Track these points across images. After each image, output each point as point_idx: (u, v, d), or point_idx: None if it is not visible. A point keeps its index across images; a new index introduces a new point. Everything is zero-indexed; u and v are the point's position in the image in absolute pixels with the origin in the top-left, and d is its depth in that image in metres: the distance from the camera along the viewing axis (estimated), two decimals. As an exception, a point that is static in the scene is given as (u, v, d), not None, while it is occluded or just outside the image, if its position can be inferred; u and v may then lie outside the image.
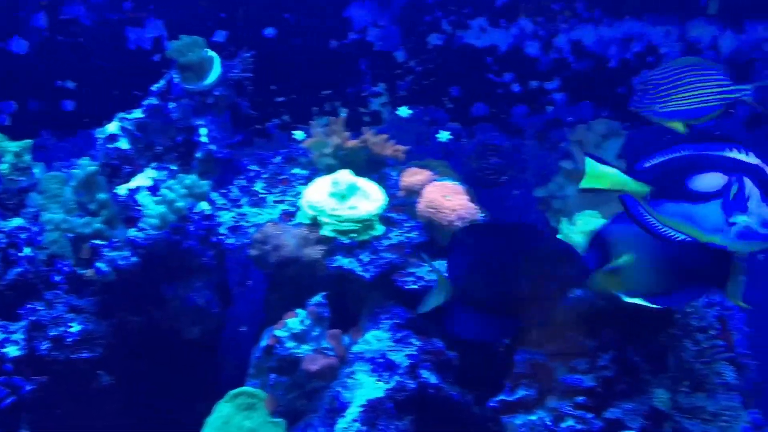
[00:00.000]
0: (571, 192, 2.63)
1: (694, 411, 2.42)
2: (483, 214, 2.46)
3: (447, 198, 2.38)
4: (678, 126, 1.77)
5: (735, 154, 1.59)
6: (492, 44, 2.85)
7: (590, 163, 1.75)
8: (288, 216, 2.45)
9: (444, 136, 2.38)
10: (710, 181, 1.59)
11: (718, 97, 1.72)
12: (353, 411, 2.16)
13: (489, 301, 1.91)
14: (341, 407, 2.23)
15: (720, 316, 2.57)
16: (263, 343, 2.31)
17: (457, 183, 2.48)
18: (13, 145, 2.54)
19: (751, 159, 1.58)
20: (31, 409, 2.33)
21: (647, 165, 1.68)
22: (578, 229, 2.29)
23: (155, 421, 2.48)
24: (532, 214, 2.75)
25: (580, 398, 2.31)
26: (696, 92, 1.75)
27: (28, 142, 2.55)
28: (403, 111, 2.48)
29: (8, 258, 2.42)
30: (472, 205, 2.40)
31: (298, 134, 2.41)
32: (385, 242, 2.40)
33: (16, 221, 2.45)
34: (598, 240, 2.02)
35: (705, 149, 1.61)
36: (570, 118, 2.84)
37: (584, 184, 1.75)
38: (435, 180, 2.46)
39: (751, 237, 1.61)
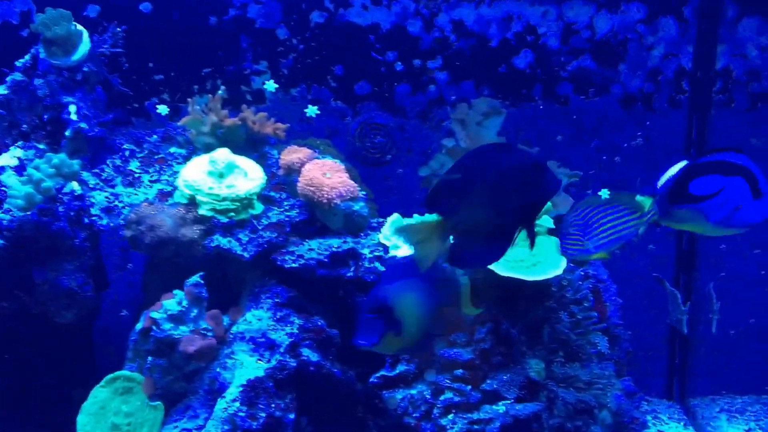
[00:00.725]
0: (453, 169, 2.65)
1: (569, 380, 2.49)
2: (364, 192, 2.46)
3: (326, 176, 2.37)
4: (604, 255, 1.98)
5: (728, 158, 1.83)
6: (374, 22, 2.84)
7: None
8: (164, 196, 2.39)
9: (312, 111, 2.36)
10: (710, 182, 1.85)
11: (631, 224, 1.96)
12: (233, 391, 2.14)
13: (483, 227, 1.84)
14: (221, 388, 2.20)
15: (594, 288, 2.65)
16: (140, 325, 2.25)
17: (337, 161, 2.47)
18: None
19: (742, 161, 1.82)
20: None
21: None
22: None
23: (29, 408, 2.40)
24: (416, 193, 2.76)
25: (458, 371, 2.37)
26: (612, 227, 1.96)
27: None
28: (270, 86, 2.45)
29: None
30: (351, 182, 2.40)
31: (162, 109, 2.34)
32: (265, 221, 2.37)
33: None
34: (379, 305, 1.95)
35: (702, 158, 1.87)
36: (452, 96, 2.87)
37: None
38: (315, 158, 2.45)
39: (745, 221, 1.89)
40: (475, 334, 2.37)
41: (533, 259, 2.34)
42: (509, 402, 2.33)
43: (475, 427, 2.28)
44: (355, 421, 2.48)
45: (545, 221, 2.43)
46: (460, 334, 2.38)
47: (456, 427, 2.29)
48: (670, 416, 2.93)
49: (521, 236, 2.30)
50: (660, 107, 2.92)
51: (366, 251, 2.35)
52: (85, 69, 2.44)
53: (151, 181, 2.45)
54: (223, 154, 2.39)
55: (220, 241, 2.32)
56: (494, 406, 2.32)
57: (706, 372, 3.09)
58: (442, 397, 2.35)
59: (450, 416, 2.32)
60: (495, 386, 2.33)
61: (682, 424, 2.85)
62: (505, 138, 2.75)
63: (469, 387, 2.33)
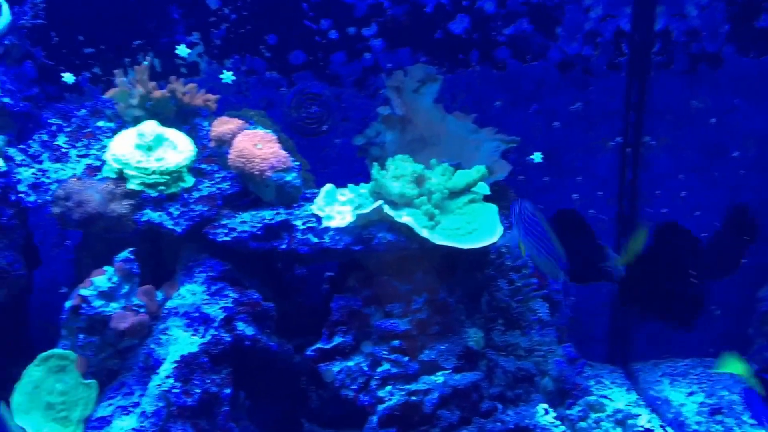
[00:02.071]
0: (389, 138, 2.62)
1: (509, 348, 2.49)
2: (298, 163, 2.42)
3: (258, 147, 2.32)
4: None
5: None
6: (307, -10, 2.79)
7: None
8: (93, 171, 2.32)
9: (227, 77, 2.30)
10: None
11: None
12: (167, 367, 2.10)
13: None
14: (155, 364, 2.16)
15: (533, 254, 2.66)
16: (69, 303, 2.21)
17: (269, 131, 2.43)
18: None
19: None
20: None
21: None
22: (390, 174, 2.28)
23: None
24: (354, 163, 2.73)
25: (395, 342, 2.35)
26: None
27: None
28: (182, 50, 2.38)
29: None
30: (283, 153, 2.35)
31: (68, 77, 2.25)
32: (196, 194, 2.33)
33: None
34: None
35: None
36: (388, 64, 2.82)
37: None
38: (247, 129, 2.40)
39: None
40: (412, 304, 2.36)
41: (469, 227, 2.32)
42: (448, 372, 2.33)
43: (413, 398, 2.28)
44: (296, 393, 2.47)
45: (481, 188, 2.41)
46: (396, 304, 2.37)
47: (394, 399, 2.28)
48: (612, 381, 2.94)
49: (458, 203, 2.30)
50: (599, 70, 2.90)
51: (299, 222, 2.31)
52: (6, 42, 2.37)
53: (79, 156, 2.39)
54: (150, 127, 2.33)
55: (151, 215, 2.27)
56: (432, 377, 2.31)
57: (647, 336, 3.11)
58: (379, 369, 2.34)
59: (388, 388, 2.31)
60: (433, 357, 2.33)
61: (624, 388, 2.87)
62: (442, 105, 2.73)
63: (407, 358, 2.33)
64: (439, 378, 2.28)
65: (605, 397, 2.52)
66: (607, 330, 3.09)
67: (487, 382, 2.34)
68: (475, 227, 2.30)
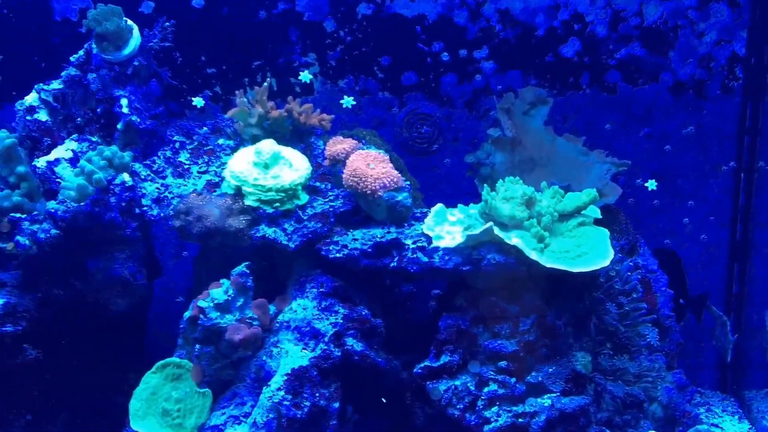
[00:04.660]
0: (499, 159, 2.52)
1: (617, 373, 2.33)
2: (409, 183, 2.34)
3: (371, 166, 2.25)
4: None
5: None
6: (420, 13, 2.70)
7: None
8: (212, 186, 2.30)
9: (347, 102, 2.24)
10: None
11: None
12: (278, 380, 2.05)
13: None
14: (267, 376, 2.12)
15: (644, 278, 2.49)
16: (188, 313, 2.18)
17: (381, 151, 2.36)
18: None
19: None
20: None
21: None
22: (500, 195, 2.17)
23: (83, 394, 2.36)
24: (462, 182, 2.63)
25: (503, 363, 2.23)
26: None
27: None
28: (305, 77, 2.34)
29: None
30: (395, 172, 2.27)
31: (197, 101, 2.25)
32: (310, 211, 2.27)
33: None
34: None
35: None
36: (499, 86, 2.71)
37: None
38: (360, 149, 2.34)
39: None
40: (520, 325, 2.24)
41: (579, 250, 2.19)
42: (555, 395, 2.19)
43: (520, 420, 2.15)
44: (402, 409, 2.38)
45: (592, 211, 2.28)
46: (504, 325, 2.25)
47: (501, 420, 2.16)
48: (723, 409, 2.73)
49: (568, 226, 2.17)
50: (712, 94, 2.72)
51: (409, 242, 2.23)
52: (135, 63, 2.37)
53: (199, 172, 2.37)
54: (268, 145, 2.29)
55: (266, 231, 2.23)
56: (540, 400, 2.18)
57: (760, 364, 2.88)
58: (486, 389, 2.22)
59: (494, 408, 2.19)
60: (540, 379, 2.20)
61: (736, 417, 2.66)
62: (552, 127, 2.61)
63: (514, 379, 2.20)
64: (546, 401, 2.14)
65: (716, 425, 2.34)
66: (717, 356, 2.88)
67: (594, 406, 2.19)
68: (585, 250, 2.16)
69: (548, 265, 2.09)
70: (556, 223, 2.20)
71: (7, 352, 2.21)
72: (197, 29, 2.66)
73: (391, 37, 2.70)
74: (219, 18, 2.66)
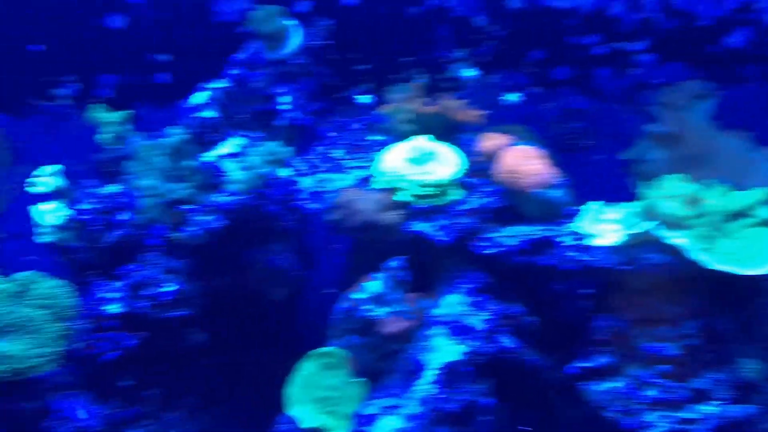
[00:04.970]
0: (658, 156, 2.42)
1: (787, 383, 2.20)
2: (562, 179, 2.29)
3: (524, 163, 2.22)
4: None
5: None
6: (574, 5, 2.64)
7: None
8: (366, 181, 2.35)
9: (511, 97, 2.21)
10: None
11: None
12: (430, 373, 2.07)
13: None
14: (418, 369, 2.13)
15: (816, 283, 2.32)
16: (343, 305, 2.24)
17: (534, 147, 2.31)
18: (113, 116, 2.54)
19: None
20: (132, 363, 2.35)
21: None
22: (662, 193, 2.08)
23: (242, 378, 2.47)
24: (614, 179, 2.54)
25: (664, 366, 2.14)
26: None
27: (126, 112, 2.56)
28: (468, 72, 2.32)
29: (110, 222, 2.44)
30: (548, 169, 2.23)
31: (364, 98, 2.29)
32: (462, 207, 2.27)
33: (116, 187, 2.46)
34: None
35: None
36: (657, 79, 2.60)
37: None
38: (513, 144, 2.31)
39: None
40: (682, 328, 2.14)
41: (747, 252, 2.07)
42: (720, 403, 2.09)
43: (685, 426, 2.08)
44: (550, 409, 2.34)
45: (763, 211, 2.14)
46: (664, 327, 2.16)
47: (661, 426, 2.09)
48: None
49: (736, 226, 2.05)
50: None
51: (562, 239, 2.18)
52: (295, 61, 2.45)
53: (353, 168, 2.42)
54: (422, 141, 2.31)
55: (419, 226, 2.24)
56: (703, 407, 2.09)
57: None
58: (646, 393, 2.15)
59: (655, 413, 2.12)
60: (704, 385, 2.10)
61: None
62: (715, 122, 2.48)
63: (676, 384, 2.11)
64: (710, 408, 2.04)
65: None
66: None
67: (766, 417, 2.07)
68: (755, 252, 2.04)
69: (715, 267, 1.99)
70: (723, 223, 2.09)
71: (177, 335, 2.36)
72: (350, 26, 2.72)
73: (543, 31, 2.65)
74: (372, 15, 2.71)
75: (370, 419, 2.15)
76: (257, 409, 2.47)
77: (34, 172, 2.42)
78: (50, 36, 2.79)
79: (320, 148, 2.45)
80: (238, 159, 2.33)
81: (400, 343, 2.18)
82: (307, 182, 2.38)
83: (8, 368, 2.01)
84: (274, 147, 2.29)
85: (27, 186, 2.42)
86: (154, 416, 2.39)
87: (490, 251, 2.21)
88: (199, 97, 2.47)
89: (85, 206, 2.43)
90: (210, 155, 2.36)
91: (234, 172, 2.28)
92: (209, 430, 2.46)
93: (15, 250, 2.79)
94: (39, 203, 2.44)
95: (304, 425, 2.14)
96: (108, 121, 2.53)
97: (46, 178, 2.43)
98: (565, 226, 2.25)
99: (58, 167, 2.46)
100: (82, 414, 2.26)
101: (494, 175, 2.27)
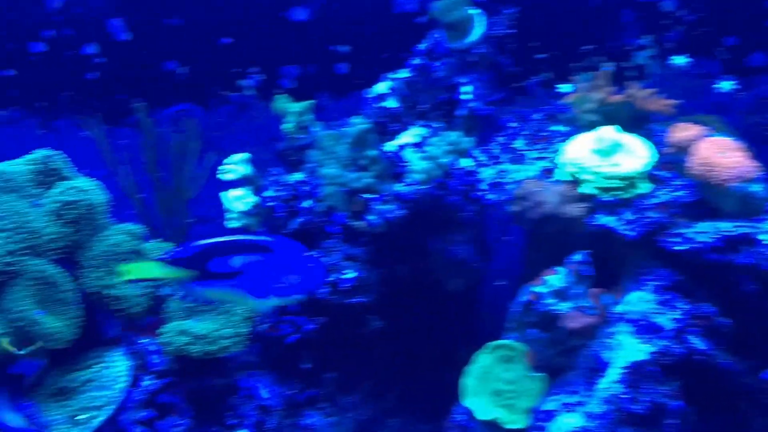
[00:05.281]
0: None
1: None
2: (762, 173, 2.14)
3: (721, 155, 2.08)
4: None
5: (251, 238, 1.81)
6: (776, -14, 2.46)
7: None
8: (548, 173, 2.29)
9: (727, 85, 2.07)
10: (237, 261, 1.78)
11: None
12: (615, 372, 1.99)
13: None
14: (601, 367, 2.06)
15: None
16: (523, 298, 2.20)
17: (731, 139, 2.17)
18: (296, 106, 2.62)
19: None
20: (311, 347, 2.42)
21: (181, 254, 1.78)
22: None
23: (417, 367, 2.48)
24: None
25: None
26: None
27: (309, 103, 2.62)
28: (679, 60, 2.20)
29: (292, 209, 2.52)
30: (748, 162, 2.08)
31: (566, 87, 2.23)
32: (651, 201, 2.16)
33: (298, 175, 2.54)
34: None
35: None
36: None
37: (128, 276, 1.81)
38: (707, 136, 2.18)
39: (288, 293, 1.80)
40: None
41: None
42: None
43: None
44: (742, 416, 2.20)
45: None
46: None
47: None
48: None
49: None
50: None
51: (764, 237, 2.04)
52: (478, 51, 2.43)
53: (535, 158, 2.36)
54: (608, 132, 2.21)
55: (603, 219, 2.16)
56: None
57: None
58: None
59: None
60: None
61: None
62: None
63: None
64: None
65: None
66: None
67: None
68: None
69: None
70: None
71: (356, 321, 2.40)
72: (534, 14, 2.65)
73: (738, 16, 2.48)
74: (556, 1, 2.63)
75: (548, 415, 2.10)
76: (431, 397, 2.48)
77: (225, 160, 2.54)
78: (238, 29, 2.90)
79: (501, 139, 2.42)
80: (419, 149, 2.34)
81: (582, 339, 2.11)
82: (487, 173, 2.35)
83: (200, 348, 2.12)
84: (455, 137, 2.28)
85: (217, 173, 2.54)
86: (330, 399, 2.46)
87: (681, 247, 2.10)
88: (380, 87, 2.51)
89: (270, 193, 2.53)
90: (391, 145, 2.38)
91: (415, 162, 2.29)
92: (383, 416, 2.50)
93: (204, 234, 2.94)
94: (228, 190, 2.56)
95: (480, 417, 2.13)
96: (291, 111, 2.61)
97: (235, 165, 2.55)
98: (765, 223, 2.11)
99: (246, 155, 2.57)
100: (264, 393, 2.35)
101: (687, 168, 2.16)
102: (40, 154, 2.19)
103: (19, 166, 2.17)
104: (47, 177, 2.17)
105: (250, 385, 2.35)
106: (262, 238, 1.81)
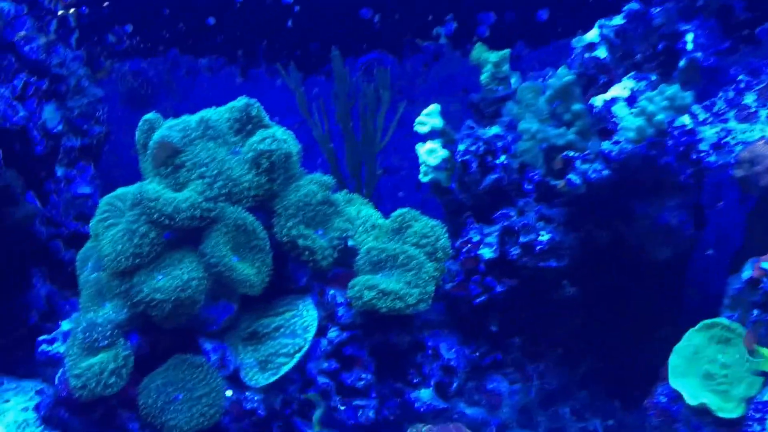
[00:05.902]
0: None
1: None
2: None
3: None
4: None
5: None
6: None
7: None
8: (784, 134, 2.00)
9: None
10: None
11: None
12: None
13: None
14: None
15: None
16: (746, 274, 1.94)
17: None
18: (493, 56, 2.45)
19: None
20: (499, 309, 2.29)
21: None
22: None
23: (612, 339, 2.29)
24: None
25: None
26: None
27: (506, 52, 2.45)
28: None
29: (485, 164, 2.38)
30: None
31: None
32: None
33: (494, 129, 2.38)
34: None
35: None
36: None
37: None
38: None
39: None
40: None
41: None
42: None
43: None
44: None
45: None
46: None
47: None
48: None
49: None
50: None
51: None
52: (707, -6, 2.14)
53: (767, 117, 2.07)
54: None
55: None
56: None
57: None
58: None
59: None
60: None
61: None
62: None
63: None
64: None
65: None
66: None
67: None
68: None
69: None
70: None
71: (549, 286, 2.24)
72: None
73: None
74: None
75: (768, 407, 1.87)
76: (627, 374, 2.29)
77: (422, 113, 2.44)
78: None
79: (728, 94, 2.13)
80: (632, 104, 2.11)
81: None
82: (709, 133, 2.09)
83: (388, 304, 2.06)
84: (673, 91, 2.02)
85: (411, 125, 2.45)
86: (516, 365, 2.33)
87: None
88: (589, 35, 2.28)
89: (462, 147, 2.40)
90: (599, 99, 2.16)
91: (625, 118, 2.06)
92: (571, 387, 2.34)
93: (391, 184, 2.88)
94: (421, 142, 2.46)
95: (688, 401, 1.91)
96: (488, 60, 2.45)
97: (429, 117, 2.44)
98: None
99: (438, 107, 2.46)
100: (449, 354, 2.27)
101: None
102: (241, 102, 2.18)
103: (221, 113, 2.18)
104: (245, 125, 2.17)
105: (435, 344, 2.27)
106: None
